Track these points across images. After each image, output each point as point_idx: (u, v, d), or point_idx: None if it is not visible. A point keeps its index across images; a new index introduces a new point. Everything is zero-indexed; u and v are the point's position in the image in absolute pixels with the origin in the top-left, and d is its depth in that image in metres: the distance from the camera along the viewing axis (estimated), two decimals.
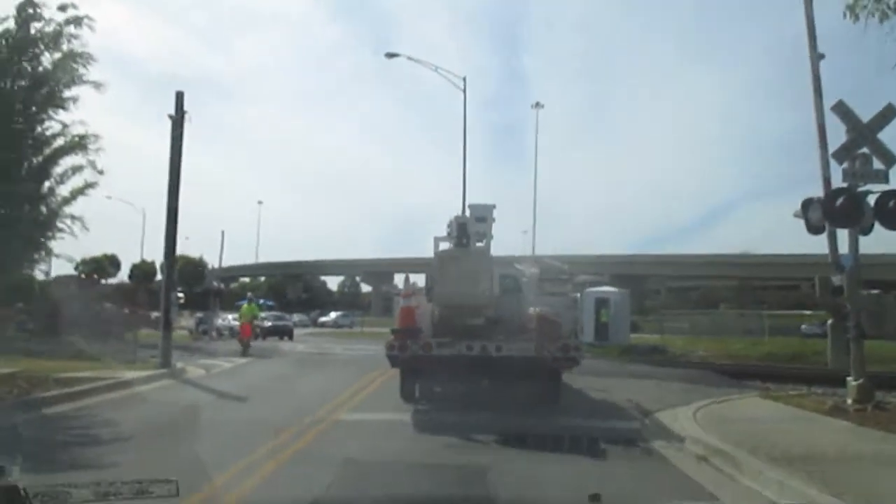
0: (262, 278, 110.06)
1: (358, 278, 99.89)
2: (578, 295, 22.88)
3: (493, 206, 14.09)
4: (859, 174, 12.48)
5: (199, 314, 46.82)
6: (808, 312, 51.61)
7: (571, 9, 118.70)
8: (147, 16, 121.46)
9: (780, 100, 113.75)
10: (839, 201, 12.20)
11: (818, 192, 12.90)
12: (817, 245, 13.17)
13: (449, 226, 14.05)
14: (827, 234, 12.83)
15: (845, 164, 12.63)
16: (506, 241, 27.35)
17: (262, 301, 71.36)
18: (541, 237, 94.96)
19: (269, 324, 41.74)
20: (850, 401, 12.33)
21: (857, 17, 11.10)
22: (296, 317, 65.02)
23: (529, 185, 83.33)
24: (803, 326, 50.72)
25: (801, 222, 12.37)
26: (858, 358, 12.47)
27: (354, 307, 78.28)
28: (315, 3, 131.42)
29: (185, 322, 47.53)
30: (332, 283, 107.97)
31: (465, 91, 38.50)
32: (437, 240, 14.01)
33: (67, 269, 43.25)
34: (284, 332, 40.98)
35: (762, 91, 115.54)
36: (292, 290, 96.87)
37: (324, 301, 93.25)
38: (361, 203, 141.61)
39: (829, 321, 12.87)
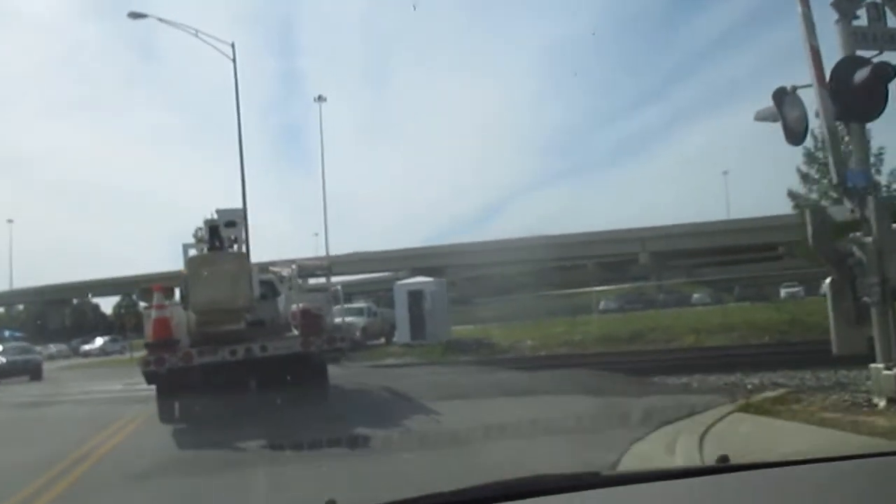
0: (21, 306, 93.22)
1: (134, 296, 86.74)
2: (339, 288, 21.15)
3: (243, 210, 13.84)
4: (871, 36, 7.49)
5: None
6: (601, 289, 49.49)
7: (347, 9, 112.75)
8: None
9: (550, 99, 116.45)
10: (861, 75, 7.08)
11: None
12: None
13: (194, 234, 13.36)
14: (827, 137, 7.72)
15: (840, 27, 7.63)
16: (297, 244, 21.52)
17: (7, 332, 58.23)
18: (337, 237, 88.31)
19: (2, 360, 31.09)
20: (881, 402, 7.35)
21: None
22: (52, 347, 53.44)
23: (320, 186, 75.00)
24: (602, 303, 49.01)
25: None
26: (886, 331, 7.50)
27: (126, 330, 66.59)
28: (69, 3, 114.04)
29: None
30: (108, 305, 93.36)
31: (234, 60, 31.38)
32: (185, 246, 13.24)
33: None
34: (26, 371, 29.58)
35: (535, 91, 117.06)
36: (55, 316, 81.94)
37: (95, 326, 79.68)
38: (136, 216, 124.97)
39: (828, 279, 7.70)
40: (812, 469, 2.00)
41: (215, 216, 12.89)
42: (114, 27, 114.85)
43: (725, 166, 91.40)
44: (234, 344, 11.31)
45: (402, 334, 27.46)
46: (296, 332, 12.27)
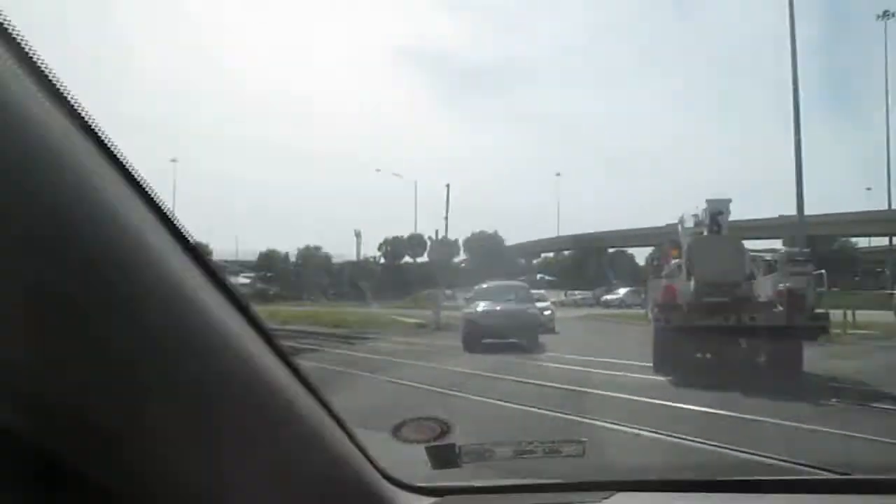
0: (567, 252, 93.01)
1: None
2: (823, 272, 17.45)
3: (730, 201, 14.94)
4: None
5: None
6: None
7: None
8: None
9: None
10: None
11: None
12: None
13: (682, 215, 15.57)
14: None
15: None
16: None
17: (539, 276, 54.07)
18: None
19: (482, 309, 18.14)
20: None
21: None
22: (578, 294, 51.09)
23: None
24: None
25: None
26: None
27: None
28: None
29: None
30: (641, 256, 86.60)
31: None
32: (681, 220, 15.69)
33: None
34: (518, 332, 17.12)
35: None
36: (592, 264, 77.95)
37: (628, 275, 72.55)
38: (659, 173, 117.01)
39: None
40: None
41: (705, 205, 14.75)
42: None
43: None
44: (724, 313, 12.94)
45: None
46: (780, 309, 13.20)
